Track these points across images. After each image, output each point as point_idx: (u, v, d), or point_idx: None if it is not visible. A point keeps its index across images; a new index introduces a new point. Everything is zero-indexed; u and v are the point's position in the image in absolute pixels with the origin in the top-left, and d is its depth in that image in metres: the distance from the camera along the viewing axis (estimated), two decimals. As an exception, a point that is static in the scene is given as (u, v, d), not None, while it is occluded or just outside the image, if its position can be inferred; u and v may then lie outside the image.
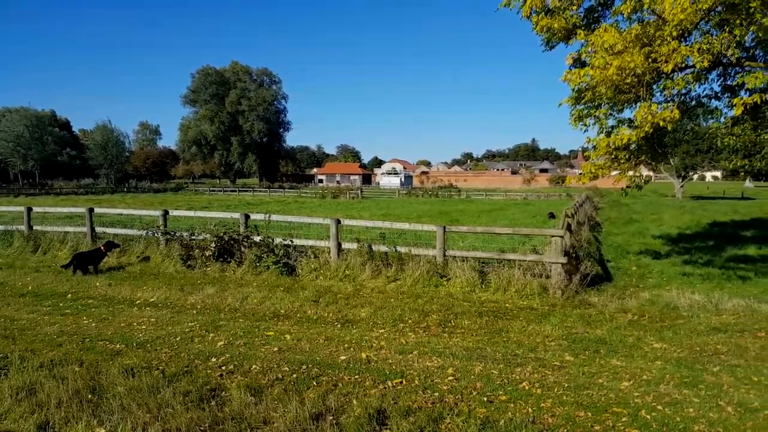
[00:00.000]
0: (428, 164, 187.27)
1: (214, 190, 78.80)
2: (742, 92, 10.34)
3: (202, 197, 62.32)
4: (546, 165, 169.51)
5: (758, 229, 21.21)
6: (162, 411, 4.62)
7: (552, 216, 24.63)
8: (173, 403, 4.79)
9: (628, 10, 7.43)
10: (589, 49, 8.49)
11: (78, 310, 8.34)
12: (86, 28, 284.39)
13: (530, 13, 9.18)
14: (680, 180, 60.62)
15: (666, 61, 7.16)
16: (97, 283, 10.18)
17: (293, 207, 39.37)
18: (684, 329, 7.62)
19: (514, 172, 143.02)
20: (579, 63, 9.65)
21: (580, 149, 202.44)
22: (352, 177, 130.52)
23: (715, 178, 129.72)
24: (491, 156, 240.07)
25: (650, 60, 7.30)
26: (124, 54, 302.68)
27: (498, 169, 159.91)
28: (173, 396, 4.92)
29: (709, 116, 11.22)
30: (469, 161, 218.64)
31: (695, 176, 71.84)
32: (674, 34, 6.91)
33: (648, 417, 4.76)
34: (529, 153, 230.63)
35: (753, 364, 6.19)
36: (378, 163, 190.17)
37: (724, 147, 10.62)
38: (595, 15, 9.99)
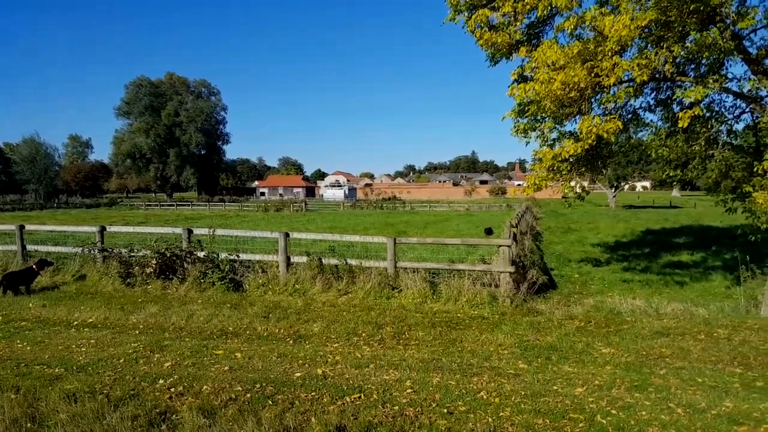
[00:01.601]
0: (371, 176, 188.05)
1: (150, 205, 76.21)
2: (674, 105, 10.93)
3: (138, 212, 60.21)
4: (486, 177, 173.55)
5: (688, 235, 22.38)
6: (109, 438, 4.34)
7: (489, 232, 23.67)
8: (120, 428, 4.52)
9: (571, 27, 7.70)
10: (533, 65, 8.73)
11: (11, 333, 7.79)
12: (8, 34, 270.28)
13: (474, 27, 9.37)
14: (613, 190, 63.41)
15: (608, 76, 7.45)
16: (30, 305, 9.57)
17: (235, 221, 38.53)
18: (629, 334, 7.87)
19: (455, 184, 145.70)
20: (522, 78, 9.92)
21: (517, 161, 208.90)
22: (295, 190, 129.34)
23: (644, 188, 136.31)
24: (433, 168, 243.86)
25: (593, 74, 7.58)
26: (50, 63, 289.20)
27: (440, 181, 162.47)
28: (120, 421, 4.64)
29: (643, 128, 11.77)
30: (411, 173, 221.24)
31: (626, 186, 75.24)
32: (615, 49, 7.21)
33: (604, 421, 4.86)
34: (469, 165, 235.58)
35: (696, 366, 6.45)
36: (321, 175, 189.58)
37: (658, 158, 11.09)
38: (536, 31, 10.31)
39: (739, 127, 11.13)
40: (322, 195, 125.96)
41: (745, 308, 9.17)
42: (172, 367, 6.37)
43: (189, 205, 74.27)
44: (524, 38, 9.42)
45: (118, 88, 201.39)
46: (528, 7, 8.74)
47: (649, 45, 8.11)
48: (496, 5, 9.11)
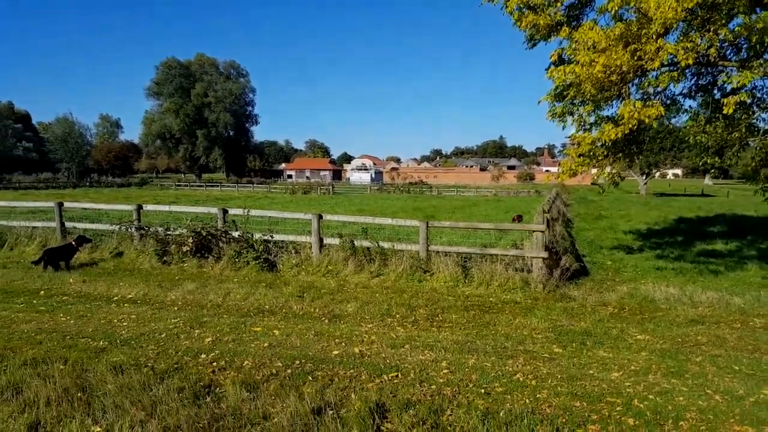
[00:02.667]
0: (398, 160, 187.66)
1: (180, 185, 77.38)
2: (715, 91, 10.67)
3: (169, 192, 61.19)
4: (513, 162, 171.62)
5: (722, 224, 21.91)
6: (157, 408, 4.52)
7: (519, 219, 22.96)
8: (167, 400, 4.69)
9: (615, 8, 7.56)
10: (573, 47, 8.60)
11: (53, 307, 8.08)
12: (43, 18, 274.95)
13: (514, 8, 9.26)
14: (644, 177, 62.24)
15: (651, 59, 7.32)
16: (71, 280, 9.89)
17: (264, 203, 38.92)
18: (664, 321, 7.82)
19: (482, 169, 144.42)
20: (560, 60, 9.79)
21: (546, 147, 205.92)
22: (322, 173, 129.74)
23: (675, 175, 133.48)
24: (460, 153, 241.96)
25: (635, 58, 7.45)
26: (83, 45, 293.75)
27: (467, 166, 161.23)
28: (167, 393, 4.81)
29: (677, 114, 11.51)
30: (438, 158, 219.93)
31: (657, 174, 73.78)
32: (660, 31, 7.07)
33: (641, 406, 4.87)
34: (497, 150, 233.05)
35: (732, 354, 6.40)
36: (347, 158, 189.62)
37: (696, 144, 10.86)
38: (576, 12, 10.14)
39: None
40: (349, 178, 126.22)
41: (784, 298, 9.00)
42: (213, 342, 6.55)
43: (218, 186, 75.18)
44: (564, 19, 9.27)
45: (147, 68, 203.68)
46: (569, -13, 8.61)
47: (694, 28, 7.92)
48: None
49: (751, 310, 8.37)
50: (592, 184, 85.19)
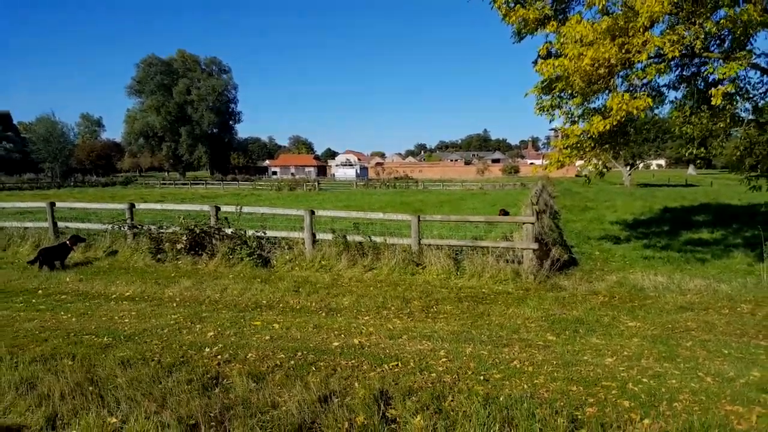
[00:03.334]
0: (382, 155, 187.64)
1: (165, 184, 76.84)
2: (700, 82, 10.92)
3: (154, 190, 60.69)
4: (498, 155, 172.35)
5: (707, 213, 22.34)
6: (169, 399, 4.61)
7: (505, 213, 23.13)
8: (178, 391, 4.79)
9: (603, 2, 7.73)
10: (561, 40, 8.76)
11: (53, 306, 8.12)
12: (20, 16, 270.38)
13: (503, 3, 9.40)
14: (628, 168, 62.97)
15: (638, 52, 7.51)
16: (67, 279, 9.90)
17: (251, 200, 38.87)
18: (654, 308, 8.03)
19: (467, 163, 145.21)
20: (548, 54, 9.94)
21: (530, 139, 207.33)
22: (307, 169, 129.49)
23: (659, 166, 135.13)
24: (444, 147, 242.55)
25: (624, 50, 7.63)
26: (60, 43, 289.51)
27: (451, 160, 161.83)
28: (177, 385, 4.91)
29: (660, 105, 11.74)
30: (422, 152, 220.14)
31: (641, 165, 74.67)
32: (647, 24, 7.25)
33: (636, 389, 5.05)
34: (481, 143, 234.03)
35: (722, 338, 6.62)
36: (332, 154, 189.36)
37: (682, 135, 11.12)
38: (563, 6, 10.31)
39: (766, 104, 11.09)
40: (334, 174, 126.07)
41: (767, 284, 9.28)
42: (215, 336, 6.64)
43: (203, 183, 74.73)
44: (552, 13, 9.44)
45: (128, 66, 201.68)
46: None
47: (680, 20, 8.12)
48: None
49: (738, 297, 8.62)
50: (576, 175, 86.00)
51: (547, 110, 10.64)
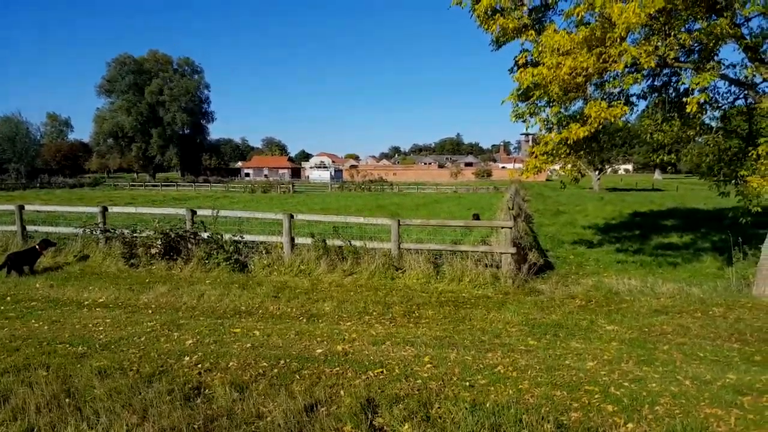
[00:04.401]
0: (357, 158, 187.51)
1: (134, 185, 75.58)
2: (671, 91, 11.19)
3: (123, 192, 59.63)
4: (471, 159, 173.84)
5: (676, 218, 22.90)
6: (150, 411, 4.51)
7: (476, 217, 23.15)
8: (158, 403, 4.68)
9: (582, 13, 7.87)
10: (540, 49, 8.89)
11: (23, 313, 7.88)
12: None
13: (482, 12, 9.48)
14: (597, 173, 64.16)
15: (615, 61, 7.67)
16: (37, 285, 9.63)
17: (225, 202, 38.42)
18: (629, 312, 8.19)
19: (441, 166, 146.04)
20: (525, 63, 10.06)
21: (502, 144, 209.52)
22: (280, 171, 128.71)
23: (626, 170, 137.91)
24: (418, 150, 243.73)
25: (601, 60, 7.78)
26: (25, 40, 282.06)
27: (425, 163, 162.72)
28: (157, 396, 4.80)
29: (635, 113, 11.98)
30: (396, 155, 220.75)
31: (609, 169, 76.17)
32: (623, 35, 7.41)
33: (618, 393, 5.13)
34: (454, 147, 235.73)
35: (697, 342, 6.78)
36: (305, 156, 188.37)
37: (653, 142, 11.38)
38: (539, 16, 10.45)
39: (733, 113, 11.42)
40: (308, 176, 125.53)
41: (737, 287, 9.54)
42: (194, 344, 6.53)
43: (174, 185, 73.69)
44: (530, 22, 9.56)
45: (98, 66, 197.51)
46: (536, -8, 8.90)
47: (655, 32, 8.31)
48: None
49: (710, 300, 8.85)
50: (547, 179, 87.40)
51: (522, 117, 10.77)
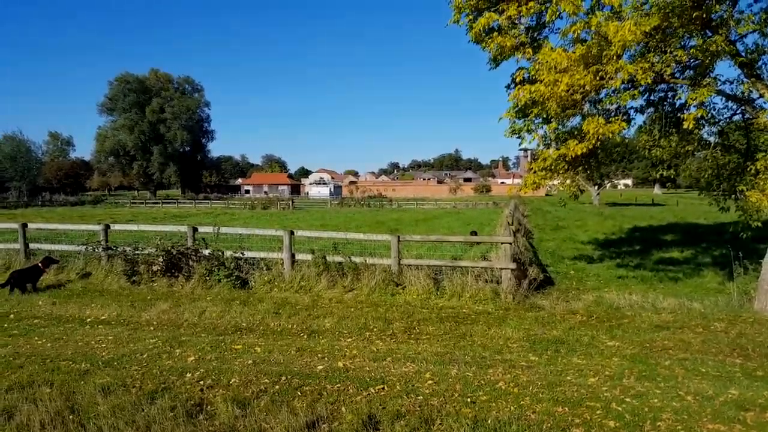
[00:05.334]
0: (356, 174, 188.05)
1: (135, 203, 75.69)
2: (667, 107, 11.28)
3: (124, 210, 59.68)
4: (470, 174, 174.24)
5: (676, 233, 22.93)
6: (153, 428, 4.53)
7: (474, 234, 22.94)
8: (161, 419, 4.70)
9: (578, 31, 7.98)
10: (537, 67, 8.99)
11: (27, 331, 7.90)
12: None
13: (479, 30, 9.61)
14: (596, 188, 64.28)
15: (612, 78, 7.77)
16: (40, 302, 9.64)
17: (225, 219, 38.48)
18: (631, 328, 8.19)
19: (440, 182, 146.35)
20: (522, 80, 10.17)
21: (500, 159, 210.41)
22: (280, 187, 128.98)
23: (626, 185, 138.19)
24: (417, 166, 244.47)
25: (598, 77, 7.88)
26: (26, 58, 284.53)
27: (424, 179, 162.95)
28: (160, 412, 4.81)
29: (632, 128, 12.07)
30: (395, 171, 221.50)
31: (608, 184, 76.36)
32: (619, 53, 7.52)
33: (620, 408, 5.13)
34: (453, 163, 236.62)
35: (698, 357, 6.78)
36: (305, 173, 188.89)
37: (652, 158, 11.45)
38: (535, 34, 10.59)
39: (731, 128, 11.50)
40: (308, 193, 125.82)
41: (739, 302, 9.53)
42: (196, 361, 6.54)
43: (174, 203, 73.77)
44: (527, 40, 9.69)
45: (99, 84, 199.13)
46: (532, 11, 9.02)
47: (651, 49, 8.42)
48: (500, 8, 9.35)
49: (711, 315, 8.85)
50: (546, 195, 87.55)
51: (518, 133, 10.83)
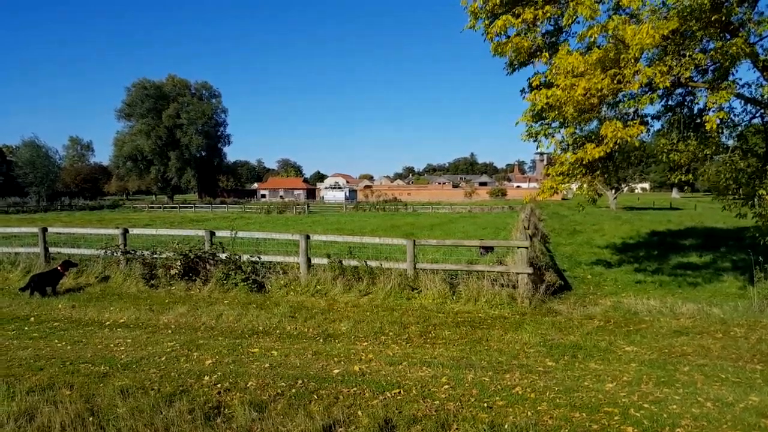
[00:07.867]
0: (371, 178, 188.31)
1: (153, 207, 76.41)
2: (685, 110, 11.19)
3: (142, 214, 60.26)
4: (485, 178, 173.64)
5: (694, 237, 22.65)
6: (171, 430, 4.58)
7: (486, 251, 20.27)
8: (180, 422, 4.75)
9: (596, 35, 7.96)
10: (553, 71, 8.97)
11: (47, 333, 8.02)
12: (9, 37, 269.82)
13: (495, 35, 9.61)
14: (613, 192, 63.69)
15: (629, 82, 7.73)
16: (59, 306, 9.79)
17: (241, 223, 38.70)
18: (649, 333, 8.11)
19: (455, 186, 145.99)
20: (540, 84, 10.15)
21: (516, 163, 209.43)
22: (296, 192, 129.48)
23: (643, 189, 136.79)
24: (432, 170, 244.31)
25: (615, 81, 7.85)
26: (48, 63, 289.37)
27: (439, 183, 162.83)
28: (178, 415, 4.86)
29: (648, 132, 11.97)
30: (411, 175, 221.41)
31: (626, 188, 75.63)
32: (637, 56, 7.48)
33: (638, 414, 5.09)
34: (468, 167, 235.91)
35: (718, 363, 6.69)
36: (320, 177, 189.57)
37: (669, 162, 11.34)
38: (553, 39, 10.57)
39: (750, 131, 11.37)
40: (323, 197, 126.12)
41: (759, 308, 9.39)
42: (214, 364, 6.59)
43: (192, 207, 74.36)
44: (543, 44, 9.67)
45: (118, 88, 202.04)
46: (548, 14, 9.01)
47: (669, 52, 8.37)
48: (516, 12, 9.35)
49: (731, 320, 8.74)
50: (563, 199, 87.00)
51: (535, 137, 10.81)
